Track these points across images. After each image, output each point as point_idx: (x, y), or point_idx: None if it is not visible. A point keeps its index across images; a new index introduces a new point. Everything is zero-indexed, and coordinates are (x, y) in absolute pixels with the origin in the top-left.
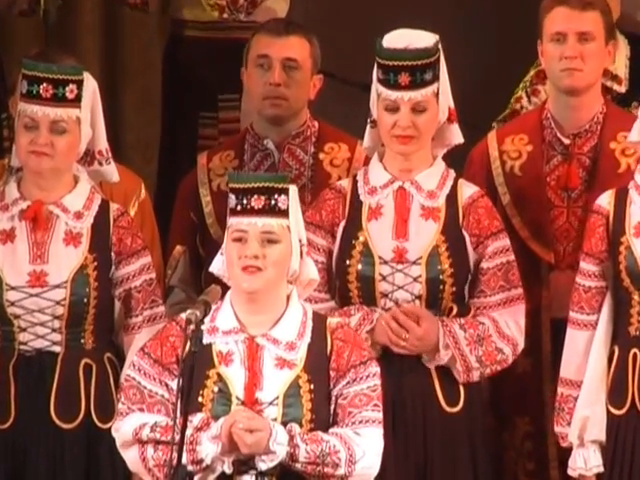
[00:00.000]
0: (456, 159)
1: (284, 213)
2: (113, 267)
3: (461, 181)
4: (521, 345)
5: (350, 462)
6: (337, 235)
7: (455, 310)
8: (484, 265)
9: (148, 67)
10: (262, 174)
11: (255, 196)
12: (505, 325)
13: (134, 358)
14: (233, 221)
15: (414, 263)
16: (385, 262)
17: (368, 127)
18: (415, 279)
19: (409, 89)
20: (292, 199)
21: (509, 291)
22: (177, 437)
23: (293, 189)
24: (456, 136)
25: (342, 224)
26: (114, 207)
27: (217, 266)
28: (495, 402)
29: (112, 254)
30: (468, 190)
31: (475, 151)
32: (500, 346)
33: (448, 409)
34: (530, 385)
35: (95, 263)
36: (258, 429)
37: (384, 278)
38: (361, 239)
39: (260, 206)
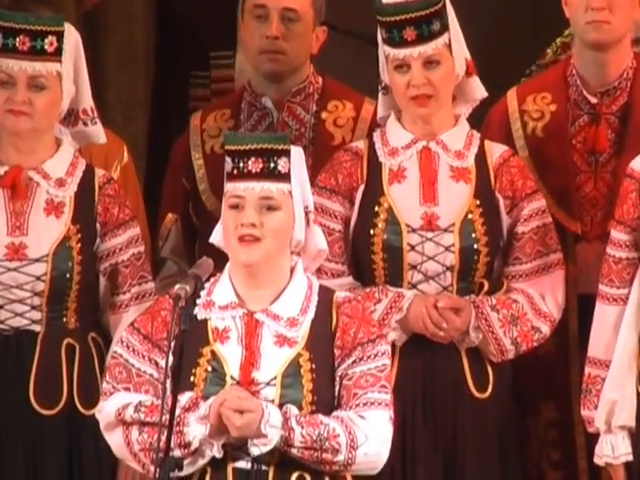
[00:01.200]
0: (476, 122)
1: (285, 177)
2: (98, 239)
3: (487, 142)
4: (558, 317)
5: (351, 448)
6: (356, 201)
7: (486, 287)
8: (519, 229)
9: (130, 20)
10: (261, 134)
11: (253, 158)
12: (540, 300)
13: (122, 334)
14: (230, 186)
15: (446, 231)
16: (413, 230)
17: (380, 95)
18: (447, 248)
19: (417, 44)
20: (296, 162)
21: (547, 256)
22: (165, 419)
23: (297, 150)
24: (478, 90)
25: (361, 188)
26: (100, 173)
27: (217, 236)
28: (517, 386)
29: (97, 225)
30: (497, 149)
31: (493, 111)
32: (537, 324)
33: (478, 394)
34: (555, 367)
35: (79, 235)
36: (249, 410)
37: (413, 248)
38: (385, 205)
39: (258, 169)
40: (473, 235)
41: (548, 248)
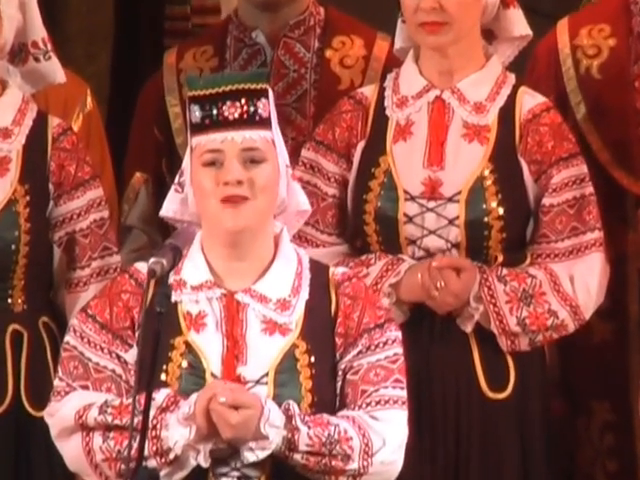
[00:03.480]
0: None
1: (266, 122)
2: (51, 203)
3: (523, 89)
4: (587, 308)
5: (366, 454)
6: (354, 160)
7: (500, 259)
8: (547, 201)
9: None
10: (231, 73)
11: (228, 103)
12: (567, 281)
13: (74, 321)
14: (200, 140)
15: (450, 200)
16: (412, 198)
17: (399, 22)
18: (451, 221)
19: None
20: (272, 104)
21: (583, 235)
22: (137, 422)
23: (270, 92)
24: (517, 25)
25: (360, 145)
26: (54, 122)
27: (171, 207)
28: (566, 382)
29: (50, 185)
30: (530, 101)
31: (540, 47)
32: (555, 308)
33: (491, 394)
34: (611, 358)
35: (27, 197)
36: (245, 405)
37: (410, 219)
38: (382, 166)
39: (236, 115)
40: (483, 206)
41: (585, 225)
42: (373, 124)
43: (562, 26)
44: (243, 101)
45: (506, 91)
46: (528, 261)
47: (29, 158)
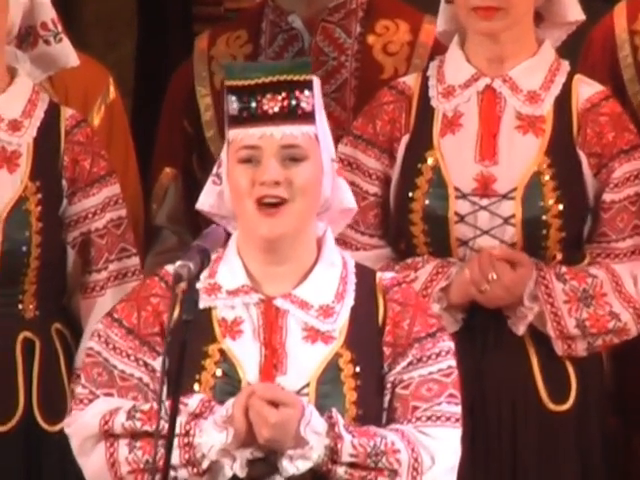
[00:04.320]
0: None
1: (309, 116)
2: (65, 201)
3: (578, 77)
4: None
5: (414, 470)
6: (397, 155)
7: (559, 257)
8: (608, 197)
9: None
10: (273, 62)
11: (268, 95)
12: (629, 282)
13: (99, 326)
14: (236, 133)
15: (505, 197)
16: (464, 195)
17: (442, 2)
18: (506, 220)
19: None
20: (317, 95)
21: None
22: (165, 428)
23: (316, 81)
24: (570, 10)
25: (405, 139)
26: (67, 113)
27: (207, 201)
28: (619, 392)
29: (63, 182)
30: (587, 90)
31: (595, 32)
32: (617, 310)
33: (552, 406)
34: None
35: (39, 195)
36: (286, 403)
37: (462, 219)
38: (430, 162)
39: (277, 109)
40: (541, 203)
41: None
42: (417, 116)
43: (620, 9)
44: (284, 94)
45: (561, 79)
46: (587, 261)
47: (40, 152)
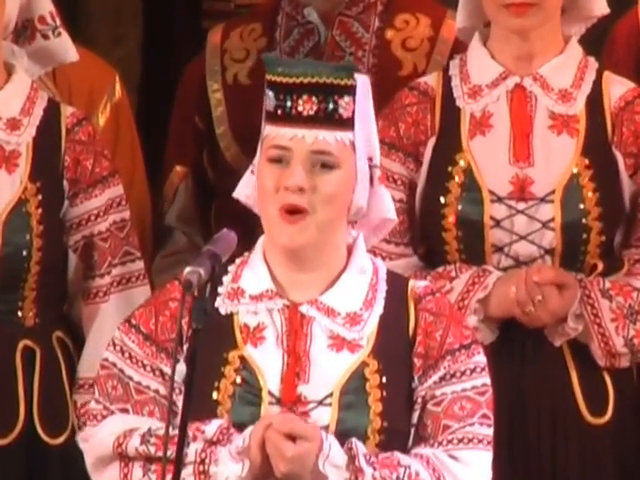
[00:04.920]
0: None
1: (347, 123)
2: (66, 202)
3: (608, 75)
4: None
5: None
6: (424, 159)
7: (600, 268)
8: None
9: None
10: (316, 63)
11: (305, 96)
12: None
13: (115, 334)
14: (270, 131)
15: (543, 200)
16: (499, 199)
17: None
18: (545, 224)
19: None
20: (361, 98)
21: None
22: (171, 452)
23: (363, 81)
24: (597, 4)
25: (431, 142)
26: (68, 111)
27: (244, 191)
28: None
29: (65, 182)
30: (619, 88)
31: (619, 28)
32: None
33: (592, 419)
34: None
35: (39, 197)
36: (303, 436)
37: (498, 223)
38: (462, 164)
39: (312, 112)
40: (581, 206)
41: None
42: (443, 118)
43: None
44: (321, 97)
45: (590, 77)
46: (626, 268)
47: (40, 152)
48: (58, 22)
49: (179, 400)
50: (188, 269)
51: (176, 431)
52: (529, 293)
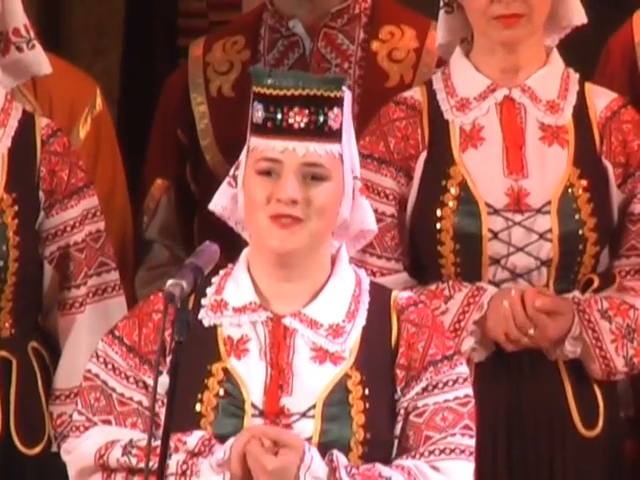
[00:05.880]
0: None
1: (336, 135)
2: (42, 213)
3: (589, 86)
4: None
5: None
6: (415, 174)
7: (596, 283)
8: (636, 208)
9: None
10: (306, 75)
11: (295, 108)
12: None
13: (98, 345)
14: (258, 143)
15: (539, 211)
16: (496, 211)
17: (441, 13)
18: (542, 236)
19: None
20: (346, 112)
21: None
22: (154, 463)
23: (348, 95)
24: (577, 14)
25: (422, 157)
26: (42, 122)
27: (221, 202)
28: (637, 417)
29: (40, 193)
30: (603, 98)
31: (614, 42)
32: None
33: (585, 432)
34: None
35: (15, 207)
36: (288, 445)
37: (496, 235)
38: (456, 178)
39: (303, 124)
40: (577, 217)
41: None
42: (432, 131)
43: (638, 19)
44: (312, 109)
45: (574, 87)
46: (617, 281)
47: (16, 163)
48: (32, 35)
49: (162, 412)
50: (170, 281)
51: (158, 442)
52: (521, 329)
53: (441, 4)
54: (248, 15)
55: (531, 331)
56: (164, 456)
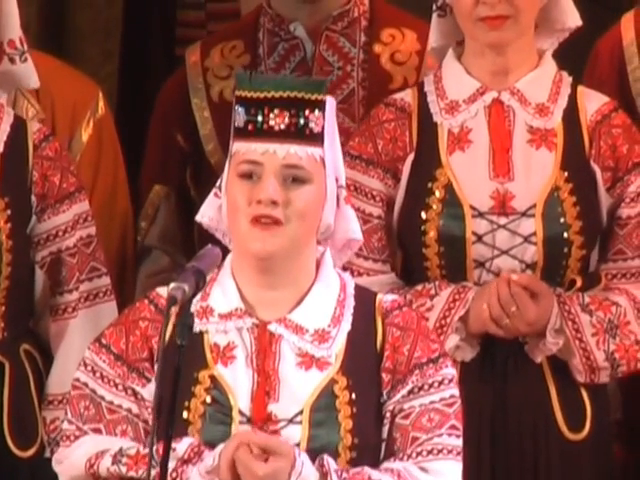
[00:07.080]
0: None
1: (317, 138)
2: (34, 218)
3: (582, 89)
4: None
5: None
6: (402, 176)
7: (578, 284)
8: (624, 212)
9: None
10: (288, 76)
11: (276, 111)
12: None
13: (86, 353)
14: (240, 147)
15: (524, 214)
16: (480, 214)
17: (434, 17)
18: (526, 239)
19: None
20: (329, 118)
21: None
22: (154, 472)
23: (330, 101)
24: (571, 16)
25: (410, 159)
26: (34, 127)
27: (208, 213)
28: (627, 420)
29: (32, 198)
30: (594, 102)
31: (602, 44)
32: None
33: (570, 435)
34: None
35: (7, 212)
36: (276, 453)
37: (480, 238)
38: (442, 180)
39: (283, 126)
40: (562, 220)
41: None
42: (420, 134)
43: (627, 21)
44: (293, 111)
45: (566, 91)
46: (603, 283)
47: (8, 168)
48: (25, 48)
49: (150, 419)
50: (172, 285)
51: (147, 451)
52: (503, 305)
53: (434, 7)
54: (244, 19)
55: (513, 308)
56: (165, 463)
